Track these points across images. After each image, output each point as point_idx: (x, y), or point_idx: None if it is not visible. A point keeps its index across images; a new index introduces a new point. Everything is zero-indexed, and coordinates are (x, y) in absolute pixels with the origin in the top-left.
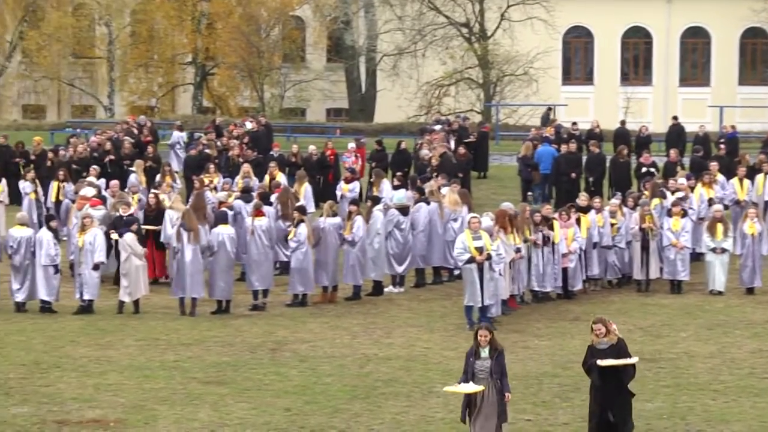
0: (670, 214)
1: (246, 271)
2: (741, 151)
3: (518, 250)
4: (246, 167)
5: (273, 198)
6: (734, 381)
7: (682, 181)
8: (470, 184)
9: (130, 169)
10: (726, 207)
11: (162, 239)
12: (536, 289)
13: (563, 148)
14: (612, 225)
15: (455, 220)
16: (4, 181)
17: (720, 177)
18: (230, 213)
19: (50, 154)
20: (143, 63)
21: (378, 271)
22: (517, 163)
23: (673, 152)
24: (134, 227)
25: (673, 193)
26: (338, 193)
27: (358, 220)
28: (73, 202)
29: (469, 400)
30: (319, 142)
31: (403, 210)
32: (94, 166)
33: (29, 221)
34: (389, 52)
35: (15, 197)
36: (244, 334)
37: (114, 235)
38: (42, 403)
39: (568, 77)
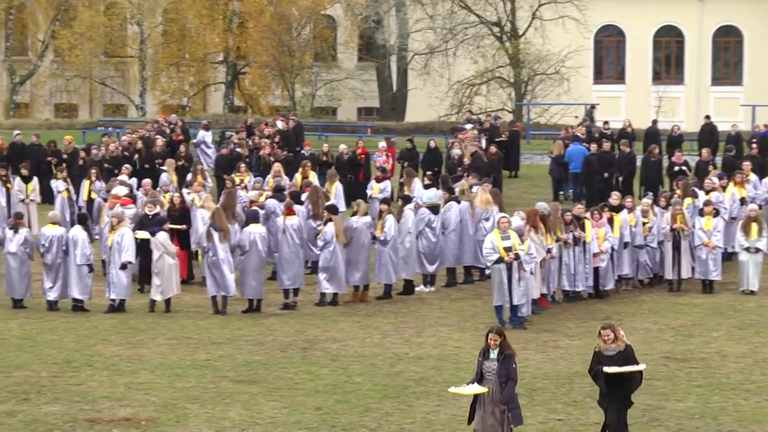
0: (701, 213)
1: (277, 270)
2: None
3: (549, 251)
4: (276, 166)
5: (304, 197)
6: (766, 381)
7: (714, 180)
8: (501, 184)
9: (162, 168)
10: (759, 207)
11: (194, 239)
12: (567, 288)
13: (593, 147)
14: (644, 224)
15: (487, 219)
16: (35, 179)
17: (752, 176)
18: (261, 212)
19: (82, 153)
20: (175, 62)
21: (409, 270)
22: (550, 162)
23: (705, 151)
24: (166, 226)
25: (708, 192)
26: (369, 192)
27: (389, 219)
28: (105, 200)
29: (476, 401)
30: (350, 141)
31: (434, 209)
32: (126, 165)
33: (61, 220)
34: (420, 51)
35: (47, 196)
36: (275, 333)
37: (139, 234)
38: (73, 402)
39: (599, 76)
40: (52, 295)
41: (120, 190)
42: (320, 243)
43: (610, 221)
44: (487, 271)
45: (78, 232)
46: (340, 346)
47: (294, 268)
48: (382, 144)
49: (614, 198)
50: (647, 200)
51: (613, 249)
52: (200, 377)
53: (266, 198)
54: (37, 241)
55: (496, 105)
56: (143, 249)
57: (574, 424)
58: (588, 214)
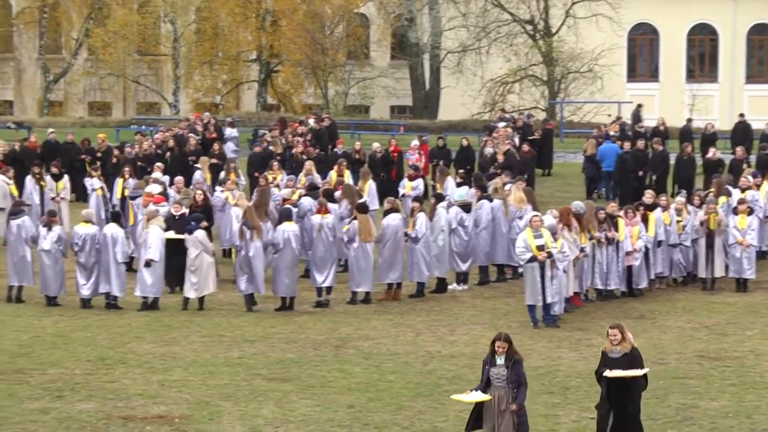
0: (736, 212)
1: (310, 268)
2: None
3: (582, 249)
4: (308, 164)
5: (337, 195)
6: None
7: (748, 178)
8: (534, 182)
9: (195, 165)
10: None
11: (227, 237)
12: (600, 287)
13: (626, 145)
14: (677, 223)
15: (520, 217)
16: (66, 177)
17: None
18: (294, 210)
19: (116, 151)
20: (208, 60)
21: (442, 268)
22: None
23: (739, 150)
24: (203, 223)
25: (742, 191)
26: (401, 190)
27: (421, 217)
28: (132, 199)
29: (479, 409)
30: (383, 139)
31: (466, 207)
32: (158, 163)
33: (94, 218)
34: (453, 50)
35: (80, 194)
36: (307, 331)
37: (167, 234)
38: (107, 399)
39: (633, 74)
40: (85, 293)
41: (153, 188)
42: (345, 239)
43: (645, 220)
44: (520, 270)
45: (114, 230)
46: (372, 344)
47: (327, 267)
48: (415, 142)
49: (648, 196)
50: (681, 198)
51: (647, 247)
52: (233, 375)
53: (299, 196)
54: (70, 238)
55: (529, 103)
56: (172, 249)
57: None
58: (621, 213)
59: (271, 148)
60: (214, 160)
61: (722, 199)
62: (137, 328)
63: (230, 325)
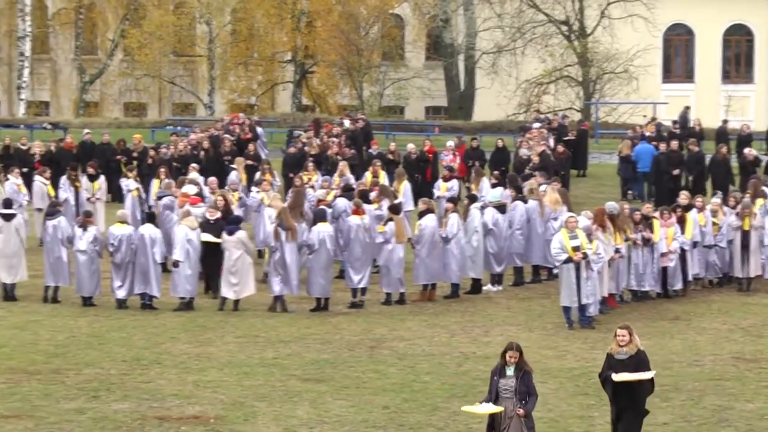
0: None
1: (346, 268)
2: None
3: (618, 250)
4: (342, 165)
5: (372, 196)
6: None
7: None
8: (569, 183)
9: (231, 166)
10: None
11: (261, 237)
12: (635, 288)
13: (662, 146)
14: (713, 224)
15: (555, 219)
16: (102, 178)
17: None
18: (329, 211)
19: (151, 152)
20: (243, 61)
21: (476, 269)
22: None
23: None
24: (243, 224)
25: None
26: (436, 192)
27: (453, 217)
28: (159, 199)
29: (492, 421)
30: (418, 140)
31: (501, 208)
32: (193, 164)
33: (129, 218)
34: (488, 50)
35: (116, 195)
36: (342, 332)
37: (204, 237)
38: (142, 399)
39: (668, 75)
40: (121, 293)
41: (190, 189)
42: (380, 240)
43: (682, 221)
44: (555, 271)
45: (151, 230)
46: (407, 345)
47: (363, 268)
48: (450, 143)
49: (683, 197)
50: (716, 200)
51: (683, 249)
52: (268, 375)
53: (333, 197)
54: (105, 239)
55: (564, 104)
56: (209, 252)
57: (642, 424)
58: (657, 214)
59: (305, 148)
60: (249, 161)
61: (759, 202)
62: (172, 328)
63: (265, 325)
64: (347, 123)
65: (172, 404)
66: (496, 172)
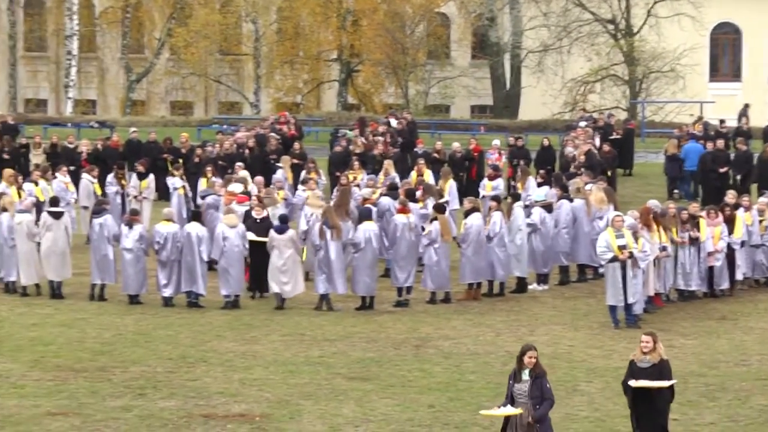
0: None
1: (391, 267)
2: None
3: (664, 249)
4: (387, 163)
5: (417, 194)
6: None
7: None
8: (616, 182)
9: (277, 164)
10: None
11: (299, 234)
12: (682, 287)
13: (709, 145)
14: (760, 223)
15: (600, 218)
16: (151, 176)
17: None
18: (374, 209)
19: (198, 150)
20: (289, 60)
21: (521, 268)
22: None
23: None
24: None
25: None
26: (481, 191)
27: (496, 216)
28: (203, 198)
29: (506, 425)
30: (463, 138)
31: (547, 207)
32: (239, 163)
33: (176, 217)
34: (534, 49)
35: (163, 193)
36: (388, 331)
37: (250, 236)
38: (189, 397)
39: (715, 74)
40: (167, 292)
41: (236, 188)
42: (424, 241)
43: (730, 220)
44: (601, 270)
45: (198, 228)
46: (452, 344)
47: (409, 266)
48: (496, 142)
49: (730, 197)
50: (764, 199)
51: (731, 248)
52: (314, 374)
53: (379, 195)
54: (151, 237)
55: (611, 103)
56: (254, 251)
57: (689, 424)
58: (704, 213)
59: (351, 147)
60: (295, 160)
61: None
62: (218, 326)
63: (310, 324)
64: (393, 122)
65: (217, 402)
66: (542, 171)
